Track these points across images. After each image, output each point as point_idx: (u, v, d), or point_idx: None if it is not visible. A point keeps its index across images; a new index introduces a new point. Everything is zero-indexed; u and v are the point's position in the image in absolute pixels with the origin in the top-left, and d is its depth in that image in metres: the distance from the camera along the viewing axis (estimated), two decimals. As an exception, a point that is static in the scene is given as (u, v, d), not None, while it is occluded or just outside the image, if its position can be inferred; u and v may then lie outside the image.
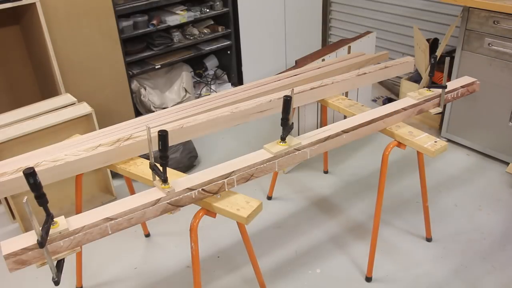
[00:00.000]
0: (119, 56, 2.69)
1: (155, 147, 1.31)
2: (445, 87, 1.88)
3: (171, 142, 1.58)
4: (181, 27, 3.27)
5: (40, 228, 1.16)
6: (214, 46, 3.38)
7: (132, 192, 2.07)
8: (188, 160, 2.76)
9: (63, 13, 2.38)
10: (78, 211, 1.79)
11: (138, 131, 1.66)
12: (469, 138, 2.77)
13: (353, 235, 2.23)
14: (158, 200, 1.35)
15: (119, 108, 2.77)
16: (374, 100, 3.49)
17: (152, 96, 3.19)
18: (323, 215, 2.38)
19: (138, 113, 3.10)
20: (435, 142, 1.71)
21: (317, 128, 1.74)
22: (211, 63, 3.63)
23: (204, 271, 2.06)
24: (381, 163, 1.76)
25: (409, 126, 1.81)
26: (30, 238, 1.19)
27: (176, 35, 3.21)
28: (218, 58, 3.64)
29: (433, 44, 3.06)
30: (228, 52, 3.51)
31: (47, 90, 2.63)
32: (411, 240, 2.18)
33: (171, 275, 2.07)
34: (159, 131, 1.25)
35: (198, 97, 3.22)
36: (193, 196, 1.41)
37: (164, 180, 1.35)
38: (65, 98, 2.40)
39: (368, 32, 2.96)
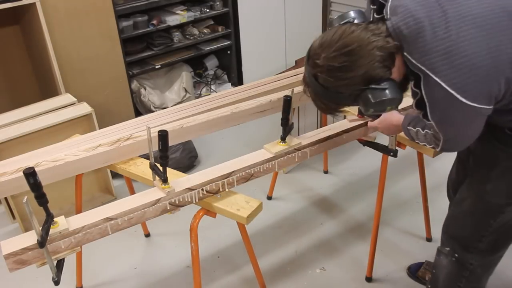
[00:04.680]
0: (119, 56, 2.69)
1: (155, 147, 1.31)
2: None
3: (171, 142, 1.58)
4: (181, 27, 3.27)
5: (40, 228, 1.16)
6: (214, 46, 3.38)
7: (132, 192, 2.07)
8: (188, 160, 2.76)
9: (63, 13, 2.38)
10: (78, 211, 1.79)
11: (138, 131, 1.66)
12: (469, 138, 2.77)
13: (353, 235, 2.23)
14: (158, 200, 1.35)
15: (119, 108, 2.77)
16: (374, 100, 3.49)
17: (152, 96, 3.19)
18: (323, 215, 2.38)
19: (138, 113, 3.10)
20: (435, 142, 1.71)
21: (317, 128, 1.74)
22: (211, 63, 3.63)
23: (204, 271, 2.06)
24: (381, 163, 1.76)
25: (409, 126, 1.81)
26: (30, 238, 1.19)
27: (176, 35, 3.21)
28: (218, 58, 3.64)
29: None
30: (228, 52, 3.51)
31: (47, 90, 2.63)
32: (411, 240, 2.18)
33: (171, 275, 2.07)
34: (159, 131, 1.25)
35: (198, 97, 3.22)
36: (193, 196, 1.41)
37: (164, 180, 1.35)
38: (65, 98, 2.40)
39: (368, 32, 2.96)
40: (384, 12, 1.18)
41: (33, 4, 2.23)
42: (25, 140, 2.13)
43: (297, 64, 2.61)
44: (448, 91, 1.07)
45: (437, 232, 2.20)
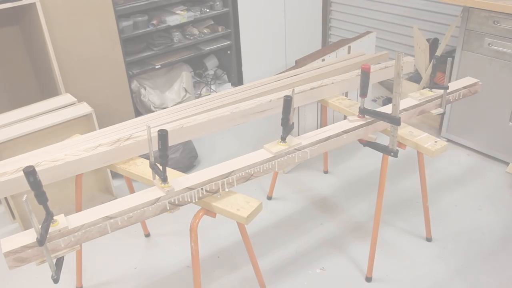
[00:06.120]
0: (119, 56, 2.69)
1: (155, 147, 1.31)
2: (447, 88, 1.88)
3: (171, 142, 1.58)
4: (181, 27, 3.27)
5: (40, 226, 1.16)
6: (214, 46, 3.38)
7: (132, 192, 2.07)
8: (188, 160, 2.76)
9: (63, 13, 2.39)
10: (78, 211, 1.79)
11: (138, 131, 1.66)
12: (469, 138, 2.77)
13: (353, 235, 2.23)
14: (157, 199, 1.35)
15: (119, 108, 2.77)
16: (374, 100, 3.49)
17: (152, 96, 3.19)
18: (323, 215, 2.38)
19: (138, 113, 3.10)
20: (435, 142, 1.71)
21: (317, 128, 1.74)
22: (211, 63, 3.63)
23: (204, 271, 2.06)
24: (381, 163, 1.76)
25: (409, 126, 1.81)
26: (30, 236, 1.20)
27: (176, 35, 3.21)
28: (218, 58, 3.64)
29: (433, 44, 3.06)
30: (228, 52, 3.51)
31: (47, 90, 2.63)
32: (411, 240, 2.18)
33: (171, 275, 2.07)
34: (159, 131, 1.25)
35: (198, 97, 3.22)
36: (193, 196, 1.41)
37: (164, 179, 1.36)
38: (65, 98, 2.40)
39: (368, 32, 2.96)
40: None
41: (33, 4, 2.23)
42: (25, 140, 2.13)
43: (297, 64, 2.61)
44: None
45: (437, 232, 2.21)
